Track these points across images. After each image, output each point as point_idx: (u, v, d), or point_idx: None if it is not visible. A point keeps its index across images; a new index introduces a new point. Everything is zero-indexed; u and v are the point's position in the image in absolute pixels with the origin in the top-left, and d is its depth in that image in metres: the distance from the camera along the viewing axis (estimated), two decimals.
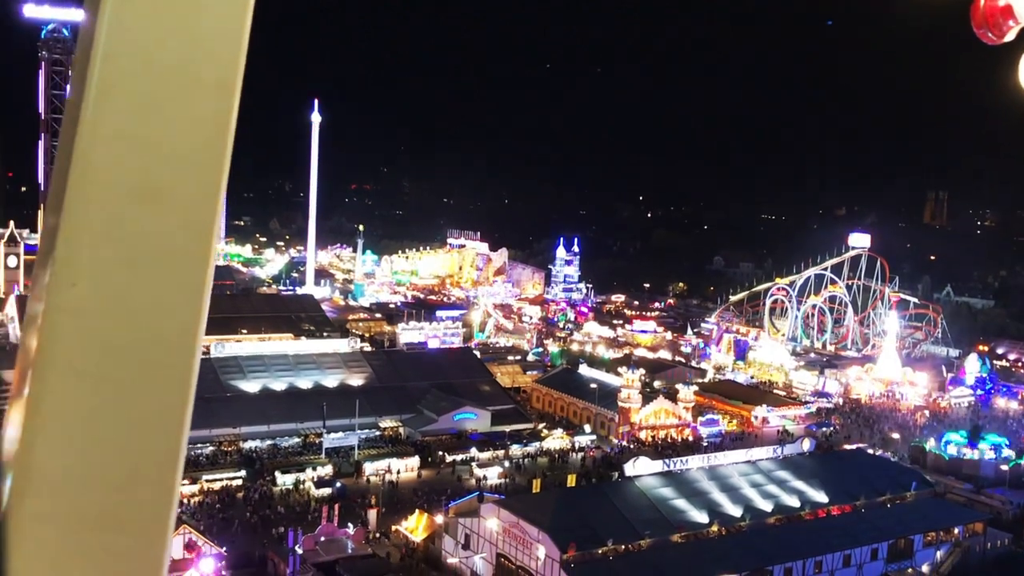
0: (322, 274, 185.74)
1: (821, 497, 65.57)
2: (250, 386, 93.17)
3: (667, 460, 71.50)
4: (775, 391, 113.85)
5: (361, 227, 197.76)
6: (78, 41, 2.02)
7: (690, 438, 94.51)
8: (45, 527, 1.84)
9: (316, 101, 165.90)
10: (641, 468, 68.01)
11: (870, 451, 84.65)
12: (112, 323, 1.89)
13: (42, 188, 50.56)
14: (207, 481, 74.26)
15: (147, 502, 1.88)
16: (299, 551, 59.99)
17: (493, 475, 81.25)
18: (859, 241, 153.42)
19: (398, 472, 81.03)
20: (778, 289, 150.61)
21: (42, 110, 49.17)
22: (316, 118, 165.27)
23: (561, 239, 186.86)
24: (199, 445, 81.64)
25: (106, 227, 1.95)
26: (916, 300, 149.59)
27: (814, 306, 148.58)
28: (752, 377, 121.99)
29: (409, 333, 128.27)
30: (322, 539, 62.67)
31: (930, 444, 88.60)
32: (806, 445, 78.12)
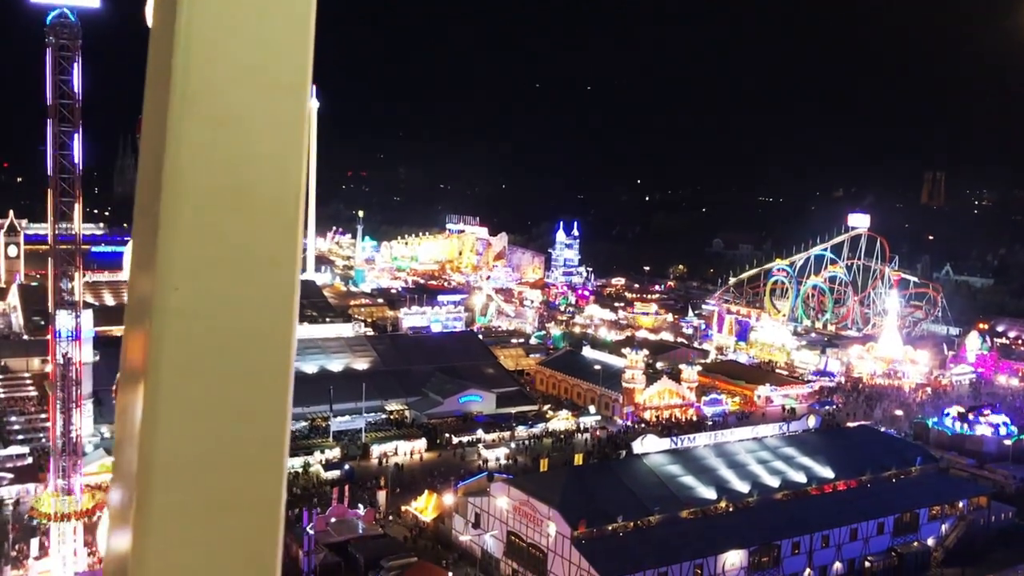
0: (322, 261, 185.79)
1: (827, 473, 66.14)
2: None
3: (674, 438, 71.98)
4: (777, 371, 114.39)
5: (361, 213, 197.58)
6: (150, 54, 2.13)
7: (694, 418, 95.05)
8: (173, 514, 1.97)
9: (314, 87, 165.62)
10: (649, 446, 68.49)
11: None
12: (214, 322, 2.01)
13: (49, 175, 50.42)
14: None
15: (260, 482, 2.05)
16: (311, 532, 60.50)
17: (499, 456, 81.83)
18: (859, 221, 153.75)
19: (406, 454, 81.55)
20: (778, 270, 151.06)
21: (49, 96, 48.93)
22: (314, 103, 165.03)
23: (561, 223, 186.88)
24: None
25: (200, 232, 2.05)
26: (916, 279, 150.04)
27: (814, 286, 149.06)
28: (754, 357, 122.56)
29: (411, 318, 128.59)
30: (333, 520, 63.14)
31: (932, 421, 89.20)
32: (811, 422, 78.66)
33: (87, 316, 59.18)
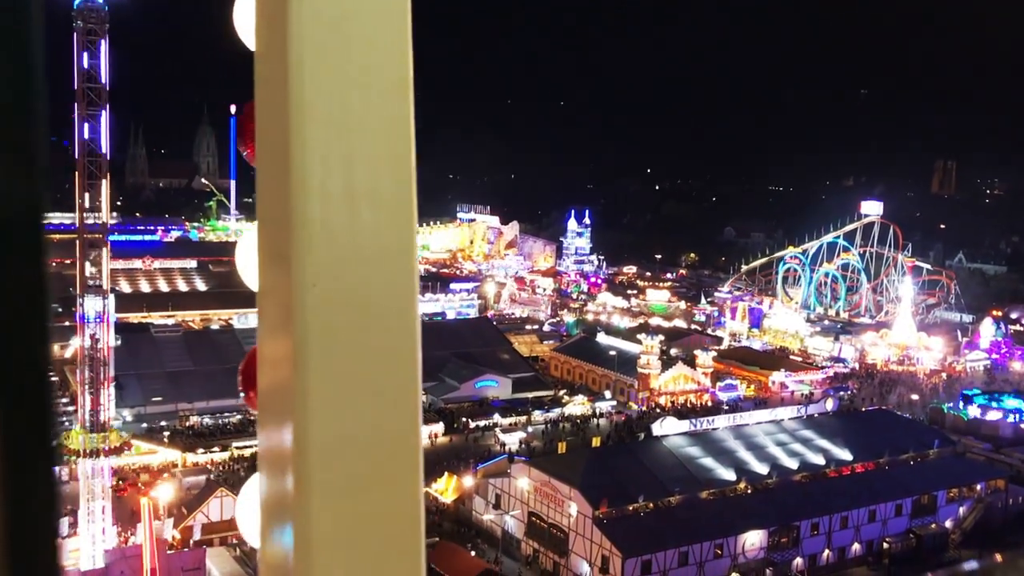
0: None
1: (845, 455, 66.47)
2: None
3: (693, 420, 72.37)
4: (791, 357, 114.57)
5: None
6: (257, 68, 2.31)
7: (709, 403, 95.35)
8: (331, 490, 2.20)
9: None
10: (668, 428, 68.91)
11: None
12: (350, 313, 2.22)
13: (76, 157, 50.91)
14: (236, 448, 75.42)
15: (401, 458, 2.29)
16: None
17: (516, 440, 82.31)
18: (871, 209, 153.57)
19: (424, 439, 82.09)
20: (791, 258, 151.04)
21: (76, 80, 49.43)
22: None
23: (572, 211, 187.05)
24: (226, 414, 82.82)
25: (329, 231, 2.23)
26: (929, 267, 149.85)
27: (827, 274, 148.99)
28: (768, 344, 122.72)
29: (425, 305, 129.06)
30: None
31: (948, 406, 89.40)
32: (829, 405, 78.97)
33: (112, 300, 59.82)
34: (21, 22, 1.34)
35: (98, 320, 52.50)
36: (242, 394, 3.17)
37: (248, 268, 2.86)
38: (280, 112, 2.25)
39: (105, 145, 50.17)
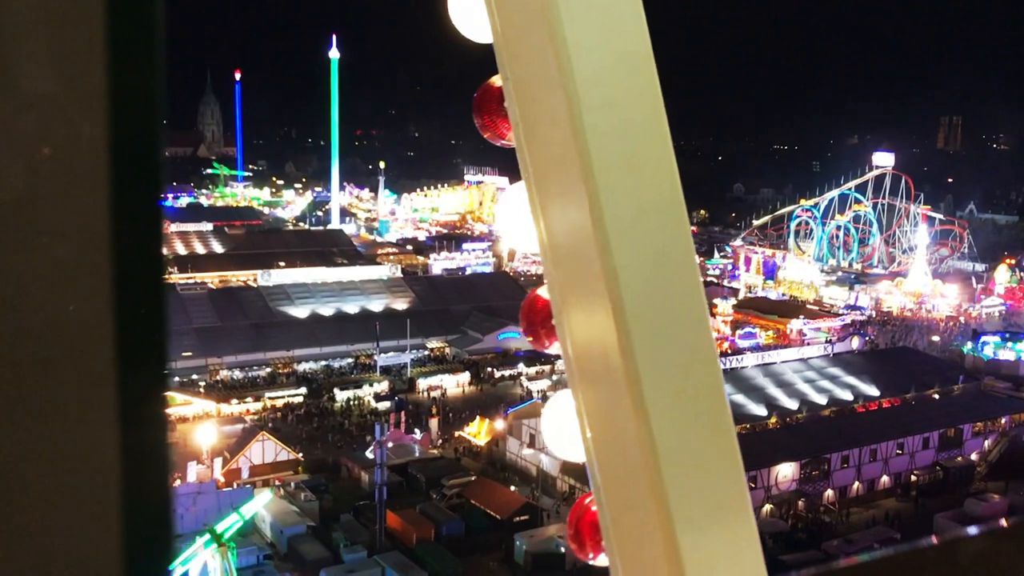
0: (344, 213, 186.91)
1: (872, 391, 67.54)
2: (299, 312, 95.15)
3: (722, 358, 73.37)
4: (808, 306, 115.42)
5: (383, 164, 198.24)
6: (507, 56, 2.79)
7: (729, 351, 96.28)
8: (666, 398, 2.67)
9: (334, 37, 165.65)
10: None
11: None
12: (657, 280, 2.69)
13: None
14: (269, 399, 76.59)
15: (706, 377, 2.75)
16: (370, 456, 62.40)
17: (542, 388, 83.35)
18: (883, 160, 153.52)
19: (448, 389, 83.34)
20: (803, 211, 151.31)
21: None
22: (335, 54, 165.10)
23: None
24: (255, 367, 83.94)
25: (623, 207, 2.66)
26: (941, 217, 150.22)
27: (839, 227, 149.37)
28: (783, 294, 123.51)
29: (441, 263, 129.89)
30: (390, 444, 64.94)
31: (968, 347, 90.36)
32: (855, 343, 79.95)
33: None
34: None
35: None
36: (526, 336, 3.98)
37: (517, 227, 3.55)
38: (544, 100, 2.71)
39: None
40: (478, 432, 68.76)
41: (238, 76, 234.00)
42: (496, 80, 3.48)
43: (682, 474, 2.90)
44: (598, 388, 3.02)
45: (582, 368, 3.18)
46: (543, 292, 3.91)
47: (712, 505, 3.12)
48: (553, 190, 2.87)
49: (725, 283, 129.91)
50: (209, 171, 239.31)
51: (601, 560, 4.21)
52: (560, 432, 3.72)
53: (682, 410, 2.82)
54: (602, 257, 2.61)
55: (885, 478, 63.18)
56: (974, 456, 66.95)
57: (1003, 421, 69.33)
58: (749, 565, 3.13)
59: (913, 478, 64.04)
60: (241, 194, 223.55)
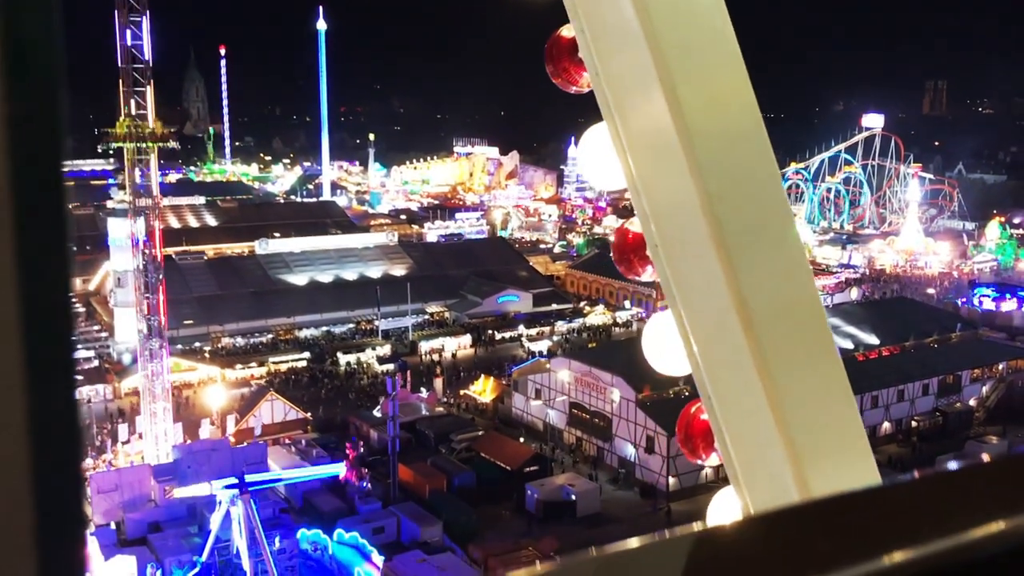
0: (335, 187, 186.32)
1: (872, 339, 68.36)
2: (298, 279, 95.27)
3: None
4: None
5: (372, 136, 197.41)
6: (597, 51, 3.40)
7: None
8: (770, 312, 3.22)
9: (321, 8, 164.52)
10: None
11: None
12: (748, 216, 3.16)
13: (120, 65, 51.28)
14: (273, 363, 76.88)
15: (802, 288, 3.30)
16: (378, 414, 62.93)
17: (542, 350, 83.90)
18: (873, 122, 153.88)
19: (452, 351, 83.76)
20: (794, 174, 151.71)
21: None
22: (322, 25, 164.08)
23: (572, 139, 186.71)
24: (257, 334, 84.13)
25: (717, 160, 3.09)
26: (931, 176, 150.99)
27: (829, 188, 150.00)
28: None
29: (436, 231, 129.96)
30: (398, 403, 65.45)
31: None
32: (854, 294, 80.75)
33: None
34: None
35: (146, 240, 54.19)
36: (619, 266, 4.46)
37: (601, 166, 3.99)
38: (658, 74, 3.09)
39: (148, 52, 50.31)
40: (483, 390, 69.34)
41: (223, 51, 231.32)
42: (565, 31, 3.95)
43: (794, 381, 3.48)
44: (703, 308, 3.42)
45: (684, 292, 3.57)
46: (631, 225, 4.39)
47: (822, 407, 3.69)
48: (643, 127, 3.34)
49: None
50: (205, 141, 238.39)
51: (712, 460, 4.68)
52: (661, 348, 4.17)
53: (785, 322, 3.29)
54: (697, 186, 3.01)
55: (886, 424, 64.14)
56: (972, 402, 68.01)
57: (1000, 367, 70.39)
58: (860, 460, 3.66)
59: (914, 424, 65.07)
60: (230, 170, 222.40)
